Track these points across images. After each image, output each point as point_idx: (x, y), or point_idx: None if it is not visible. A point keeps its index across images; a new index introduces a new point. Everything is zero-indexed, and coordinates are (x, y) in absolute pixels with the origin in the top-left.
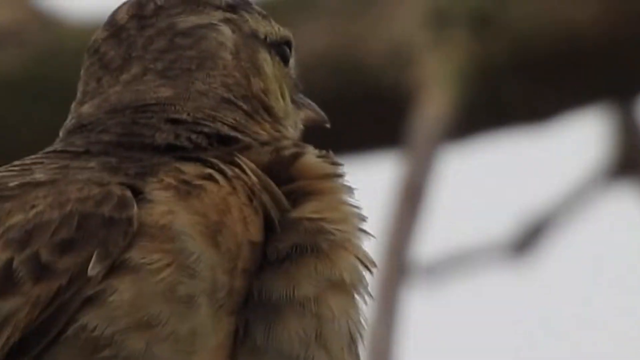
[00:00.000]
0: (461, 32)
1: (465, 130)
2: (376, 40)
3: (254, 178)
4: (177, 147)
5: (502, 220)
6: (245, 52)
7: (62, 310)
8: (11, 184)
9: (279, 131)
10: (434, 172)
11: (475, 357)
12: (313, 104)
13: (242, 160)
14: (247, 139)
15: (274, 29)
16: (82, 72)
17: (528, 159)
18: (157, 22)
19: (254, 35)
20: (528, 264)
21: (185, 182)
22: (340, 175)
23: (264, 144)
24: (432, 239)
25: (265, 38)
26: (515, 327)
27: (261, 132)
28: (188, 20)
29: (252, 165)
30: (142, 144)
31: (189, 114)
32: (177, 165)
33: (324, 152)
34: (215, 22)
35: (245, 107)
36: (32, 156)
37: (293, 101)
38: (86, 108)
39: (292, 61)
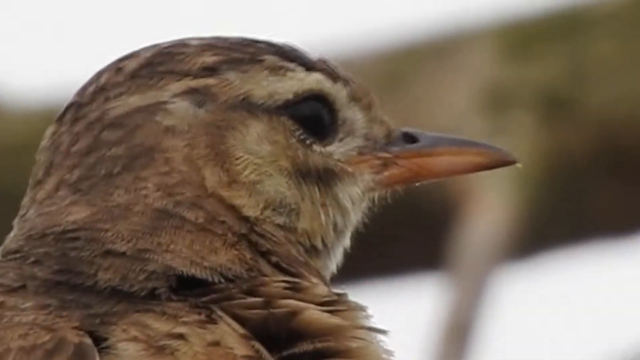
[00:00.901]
0: (527, 117)
1: (531, 247)
2: (417, 127)
3: (240, 350)
4: (126, 293)
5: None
6: (211, 134)
7: None
8: None
9: (258, 245)
10: (487, 303)
11: None
12: (477, 142)
13: (224, 319)
14: (219, 283)
15: (288, 85)
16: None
17: (615, 282)
18: (89, 112)
19: (243, 101)
20: None
21: (154, 339)
22: (361, 324)
23: (246, 291)
24: None
25: (270, 102)
26: None
27: (226, 261)
28: (124, 104)
29: (236, 328)
30: (83, 286)
31: (124, 241)
32: (140, 317)
33: (334, 293)
34: (166, 99)
35: (193, 217)
36: None
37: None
38: (14, 230)
39: (347, 115)
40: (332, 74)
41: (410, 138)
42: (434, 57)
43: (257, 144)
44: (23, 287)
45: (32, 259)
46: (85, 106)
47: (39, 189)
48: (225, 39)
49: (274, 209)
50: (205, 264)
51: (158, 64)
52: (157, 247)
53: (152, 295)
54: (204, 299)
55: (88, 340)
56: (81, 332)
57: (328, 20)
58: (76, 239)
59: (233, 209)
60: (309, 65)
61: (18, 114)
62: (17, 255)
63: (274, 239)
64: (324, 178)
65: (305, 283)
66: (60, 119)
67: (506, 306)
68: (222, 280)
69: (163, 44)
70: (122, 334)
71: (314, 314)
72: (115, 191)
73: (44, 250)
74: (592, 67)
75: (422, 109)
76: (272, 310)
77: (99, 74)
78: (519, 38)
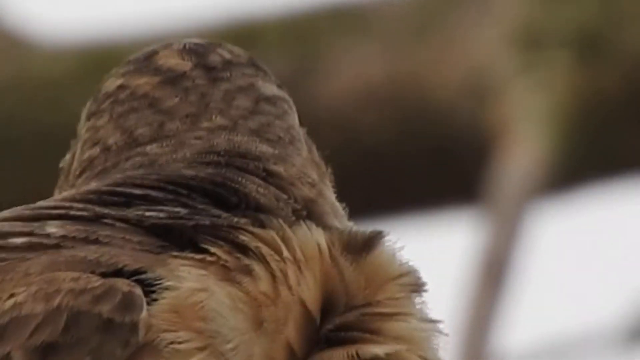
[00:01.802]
0: (562, 55)
1: (565, 184)
2: (448, 67)
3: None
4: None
5: (612, 301)
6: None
7: None
8: (14, 241)
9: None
10: (523, 239)
11: None
12: None
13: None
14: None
15: None
16: (101, 117)
17: None
18: (232, 78)
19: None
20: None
21: (236, 258)
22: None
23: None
24: (520, 325)
25: None
26: None
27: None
28: (269, 88)
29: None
30: (230, 194)
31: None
32: (239, 234)
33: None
34: (288, 98)
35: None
36: (68, 194)
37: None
38: (154, 148)
39: None
40: None
41: None
42: None
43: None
44: (145, 197)
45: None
46: (220, 71)
47: (195, 120)
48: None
49: None
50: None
51: (258, 65)
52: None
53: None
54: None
55: (137, 290)
56: (132, 283)
57: None
58: (253, 162)
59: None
60: None
61: (49, 52)
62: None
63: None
64: None
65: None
66: (181, 75)
67: (542, 242)
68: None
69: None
70: (188, 262)
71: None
72: (297, 156)
73: (212, 160)
74: (625, 8)
75: (456, 48)
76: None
77: (211, 47)
78: None
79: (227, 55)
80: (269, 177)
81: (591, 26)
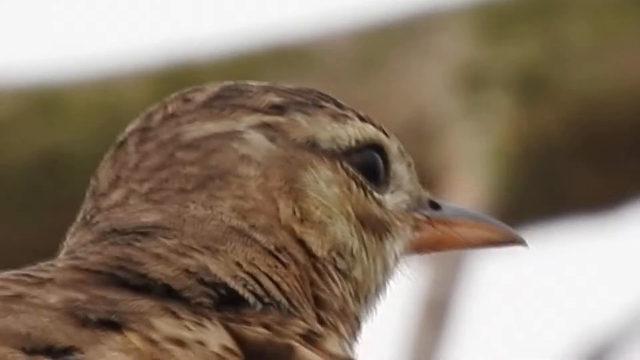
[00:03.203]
0: (503, 96)
1: (507, 224)
2: (390, 107)
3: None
4: (173, 291)
5: (554, 342)
6: (284, 168)
7: None
8: None
9: (315, 284)
10: (463, 280)
11: None
12: (492, 220)
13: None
14: (254, 305)
15: (351, 132)
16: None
17: (589, 260)
18: (160, 134)
19: (309, 142)
20: None
21: (153, 343)
22: None
23: (263, 323)
24: None
25: (334, 147)
26: None
27: (280, 289)
28: (200, 129)
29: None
30: (130, 279)
31: (188, 241)
32: (152, 320)
33: (349, 341)
34: (241, 129)
35: (264, 241)
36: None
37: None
38: (74, 238)
39: (397, 169)
40: (382, 128)
41: (434, 205)
42: (407, 37)
43: (326, 186)
44: (50, 280)
45: (90, 250)
46: (153, 129)
47: (102, 200)
48: (282, 86)
49: (338, 253)
50: (253, 285)
51: (228, 97)
52: (215, 254)
53: (195, 301)
54: (220, 314)
55: None
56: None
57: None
58: (145, 234)
59: (303, 244)
60: (361, 117)
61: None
62: (76, 249)
63: (331, 286)
64: (377, 229)
65: (325, 338)
66: (122, 143)
67: (483, 284)
68: (260, 304)
69: (225, 83)
70: (115, 345)
71: (314, 358)
72: (192, 205)
73: (95, 249)
74: (568, 47)
75: (398, 87)
76: (274, 339)
77: (164, 105)
78: (494, 17)
79: (171, 109)
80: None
81: (533, 66)
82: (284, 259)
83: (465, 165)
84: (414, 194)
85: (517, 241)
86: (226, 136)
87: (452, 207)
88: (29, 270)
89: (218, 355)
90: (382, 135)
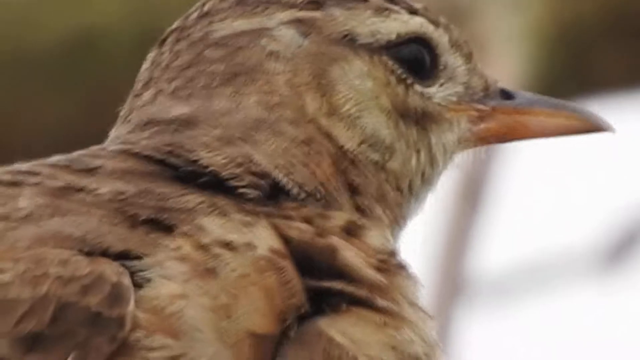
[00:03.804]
0: None
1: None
2: None
3: (284, 263)
4: (221, 182)
5: (587, 222)
6: (314, 63)
7: None
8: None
9: (348, 172)
10: (498, 161)
11: None
12: (573, 105)
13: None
14: (297, 195)
15: (392, 26)
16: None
17: (622, 141)
18: (192, 33)
19: (345, 37)
20: (619, 278)
21: (204, 249)
22: (406, 293)
23: (304, 217)
24: (496, 247)
25: (373, 41)
26: (601, 352)
27: (316, 177)
28: (229, 27)
29: (280, 248)
30: (173, 173)
31: (225, 132)
32: (202, 220)
33: (391, 251)
34: (271, 26)
35: (292, 132)
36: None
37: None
38: (113, 135)
39: (449, 60)
40: (434, 20)
41: (506, 94)
42: None
43: (358, 79)
44: (100, 168)
45: (140, 136)
46: (188, 29)
47: (136, 100)
48: None
49: (370, 145)
50: (293, 174)
51: None
52: (255, 144)
53: (240, 192)
54: (265, 209)
55: (126, 280)
56: (121, 270)
57: None
58: (177, 128)
59: (330, 137)
60: (412, 9)
61: None
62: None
63: (365, 173)
64: (421, 121)
65: (366, 229)
66: (162, 42)
67: (516, 166)
68: (302, 194)
69: None
70: (170, 253)
71: (355, 260)
72: (216, 99)
73: (143, 136)
74: None
75: None
76: (316, 240)
77: (203, 3)
78: None
79: (207, 7)
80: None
81: None
82: (314, 150)
83: (500, 43)
84: (474, 85)
85: (602, 128)
86: (255, 33)
87: (527, 95)
88: (81, 154)
89: (267, 258)
90: (429, 28)
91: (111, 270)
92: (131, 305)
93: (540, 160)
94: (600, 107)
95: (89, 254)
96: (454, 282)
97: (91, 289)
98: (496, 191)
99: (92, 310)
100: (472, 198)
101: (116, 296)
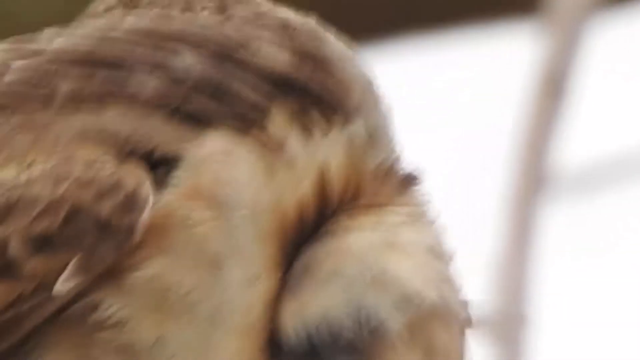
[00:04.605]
0: None
1: None
2: None
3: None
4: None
5: None
6: None
7: (16, 324)
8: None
9: None
10: (583, 51)
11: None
12: None
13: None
14: None
15: None
16: None
17: None
18: None
19: None
20: None
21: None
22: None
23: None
24: (578, 139)
25: None
26: None
27: None
28: None
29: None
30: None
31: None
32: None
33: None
34: None
35: None
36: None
37: None
38: None
39: None
40: None
41: None
42: None
43: None
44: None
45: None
46: None
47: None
48: None
49: None
50: None
51: None
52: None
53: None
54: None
55: (143, 190)
56: (144, 177)
57: None
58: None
59: None
60: None
61: None
62: None
63: None
64: None
65: None
66: None
67: (602, 54)
68: None
69: None
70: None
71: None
72: None
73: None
74: None
75: None
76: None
77: None
78: None
79: None
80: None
81: None
82: None
83: None
84: None
85: None
86: None
87: None
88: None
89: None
90: None
91: (132, 176)
92: (145, 213)
93: (625, 52)
94: None
95: (127, 154)
96: (537, 175)
97: (106, 195)
98: (578, 83)
99: (102, 217)
100: (554, 89)
101: (129, 205)
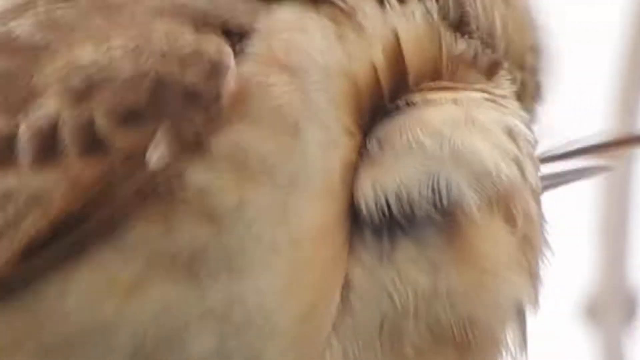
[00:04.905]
0: None
1: None
2: None
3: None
4: None
5: None
6: None
7: (108, 196)
8: None
9: None
10: None
11: None
12: None
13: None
14: None
15: None
16: None
17: None
18: None
19: None
20: None
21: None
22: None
23: None
24: None
25: None
26: None
27: None
28: None
29: None
30: None
31: None
32: None
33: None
34: None
35: None
36: None
37: None
38: None
39: None
40: None
41: None
42: None
43: None
44: None
45: None
46: None
47: None
48: None
49: None
50: None
51: None
52: None
53: None
54: None
55: (225, 57)
56: (223, 44)
57: None
58: None
59: None
60: None
61: None
62: None
63: None
64: None
65: None
66: None
67: None
68: None
69: None
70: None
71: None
72: None
73: None
74: None
75: None
76: None
77: None
78: None
79: None
80: None
81: None
82: None
83: None
84: None
85: None
86: None
87: None
88: None
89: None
90: None
91: (212, 44)
92: (229, 80)
93: None
94: None
95: (203, 25)
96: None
97: (190, 64)
98: None
99: (188, 85)
100: None
101: (214, 70)
